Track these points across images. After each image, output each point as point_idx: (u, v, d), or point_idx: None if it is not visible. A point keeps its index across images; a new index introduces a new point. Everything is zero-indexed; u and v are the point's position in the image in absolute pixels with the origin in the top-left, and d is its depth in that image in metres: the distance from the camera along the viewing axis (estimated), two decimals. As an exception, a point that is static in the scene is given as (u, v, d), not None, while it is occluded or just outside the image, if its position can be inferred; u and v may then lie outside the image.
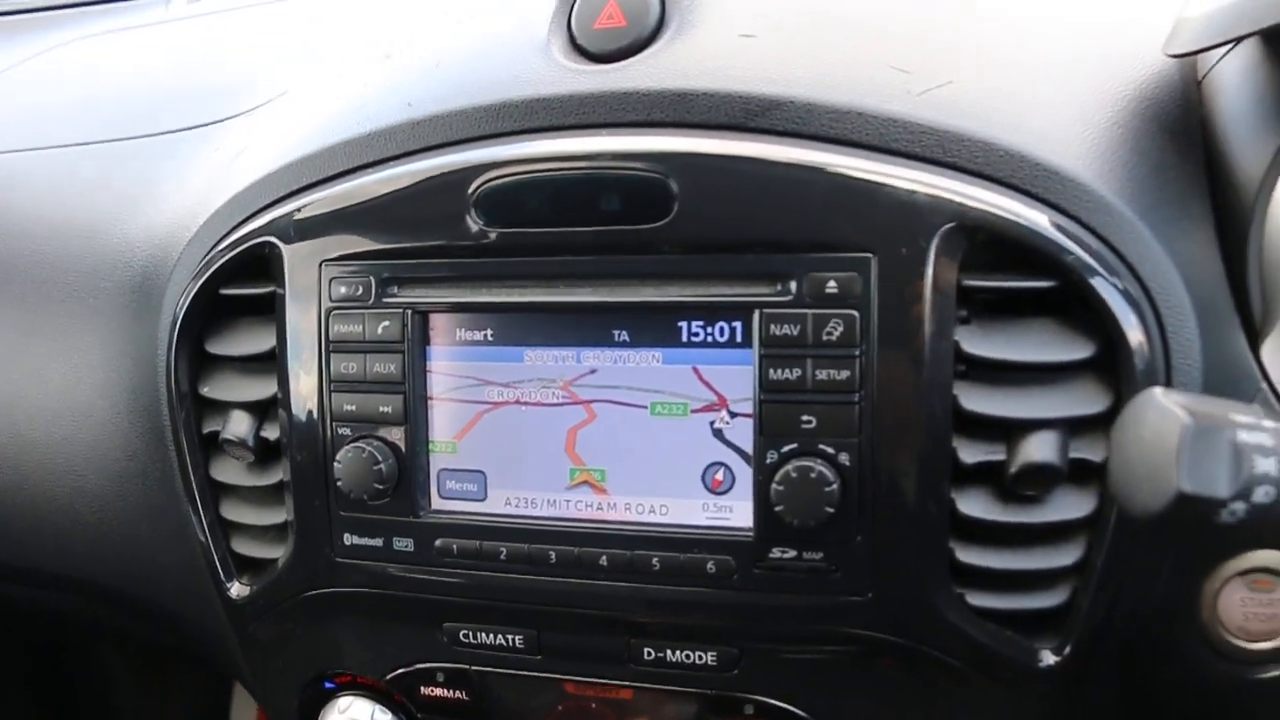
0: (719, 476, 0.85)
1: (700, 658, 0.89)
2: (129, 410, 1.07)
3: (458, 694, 0.97)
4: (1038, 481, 0.78)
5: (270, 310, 0.95)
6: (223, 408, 0.99)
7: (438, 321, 0.90)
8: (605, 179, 0.83)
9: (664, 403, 0.85)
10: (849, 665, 0.86)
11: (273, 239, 0.93)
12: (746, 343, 0.82)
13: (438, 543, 0.91)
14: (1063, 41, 0.90)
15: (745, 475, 0.84)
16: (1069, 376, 0.79)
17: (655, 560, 0.86)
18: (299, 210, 0.93)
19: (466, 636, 0.95)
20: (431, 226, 0.88)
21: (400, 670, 0.99)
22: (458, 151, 0.88)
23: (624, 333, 0.86)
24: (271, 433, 0.97)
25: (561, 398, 0.88)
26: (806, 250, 0.80)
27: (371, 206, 0.90)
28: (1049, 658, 0.82)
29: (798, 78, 0.83)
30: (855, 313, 0.79)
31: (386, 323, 0.90)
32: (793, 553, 0.82)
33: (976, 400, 0.79)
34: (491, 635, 0.94)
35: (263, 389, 0.96)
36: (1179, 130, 0.84)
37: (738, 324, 0.82)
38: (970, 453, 0.79)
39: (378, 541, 0.93)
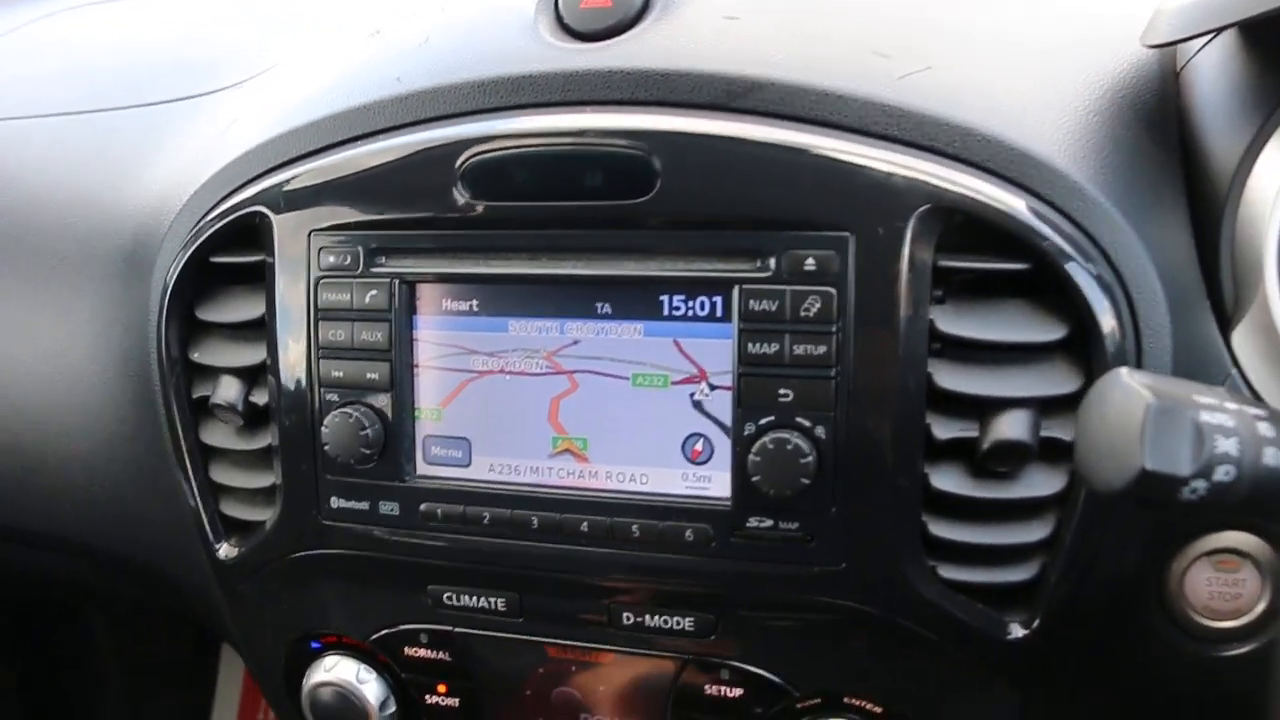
0: (698, 447, 0.86)
1: (678, 623, 0.90)
2: (119, 375, 1.08)
3: (441, 655, 0.99)
4: (1009, 458, 0.80)
5: (260, 278, 0.96)
6: (212, 373, 1.00)
7: (424, 291, 0.91)
8: (590, 155, 0.84)
9: (645, 374, 0.86)
10: (823, 633, 0.87)
11: (263, 209, 0.94)
12: (726, 317, 0.83)
13: (422, 507, 0.92)
14: (1042, 29, 0.92)
15: (724, 446, 0.85)
16: (1041, 357, 0.80)
17: (635, 527, 0.87)
18: (289, 181, 0.93)
19: (450, 599, 0.96)
20: (419, 199, 0.89)
21: (385, 631, 1.00)
22: (446, 126, 0.88)
23: (606, 305, 0.87)
24: (260, 398, 0.98)
25: (545, 368, 0.89)
26: (786, 228, 0.81)
27: (360, 178, 0.91)
28: (1018, 630, 0.83)
29: (780, 60, 0.84)
30: (833, 290, 0.80)
31: (374, 292, 0.91)
32: (769, 522, 0.84)
33: (950, 378, 0.80)
34: (474, 598, 0.95)
35: (252, 355, 0.98)
36: (1155, 119, 0.85)
37: (718, 299, 0.83)
38: (943, 429, 0.81)
39: (364, 505, 0.94)
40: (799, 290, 0.81)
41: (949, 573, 0.83)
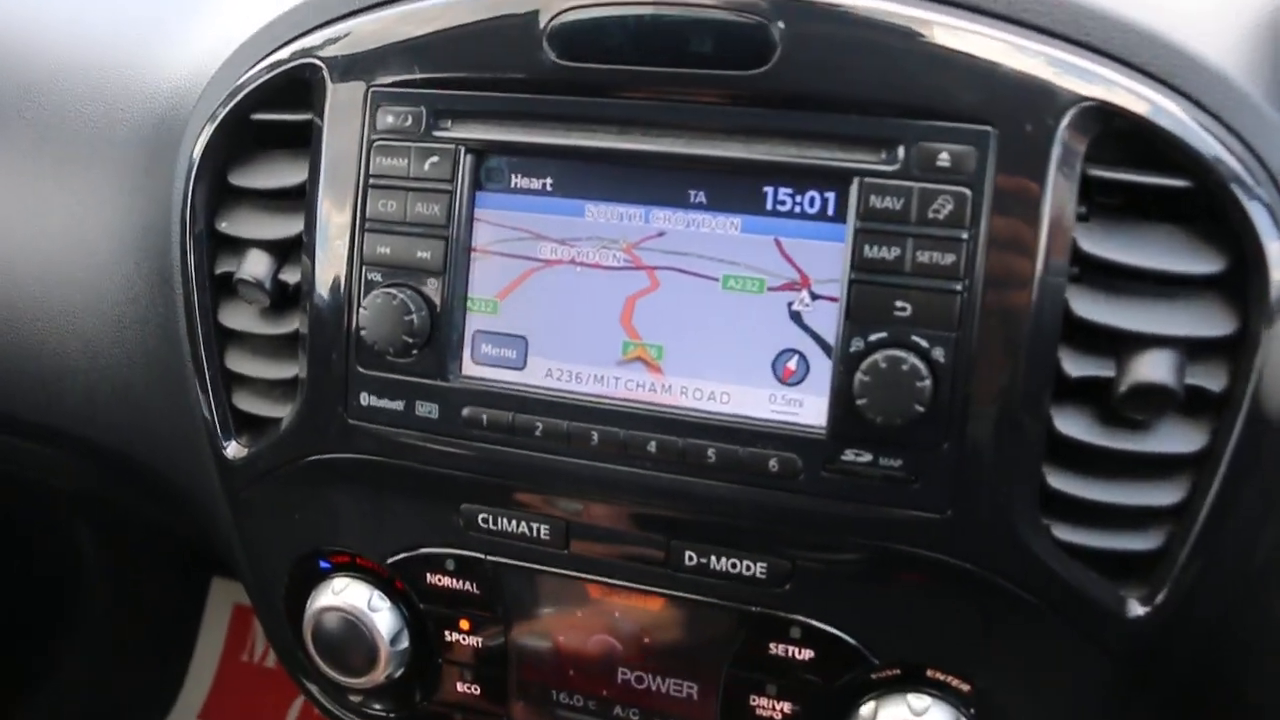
0: (791, 365, 0.79)
1: (748, 568, 0.83)
2: (136, 250, 1.02)
3: (467, 586, 0.92)
4: (1148, 404, 0.73)
5: (304, 143, 0.90)
6: (240, 246, 0.94)
7: (493, 164, 0.84)
8: (700, 19, 0.77)
9: (738, 276, 0.79)
10: (913, 592, 0.81)
11: (317, 62, 0.88)
12: (839, 216, 0.76)
13: (465, 411, 0.85)
14: None
15: (822, 366, 0.78)
16: (1193, 292, 0.74)
17: (711, 452, 0.80)
18: (349, 34, 0.87)
19: (485, 521, 0.89)
20: (496, 56, 0.82)
21: (405, 553, 0.93)
22: None
23: (701, 193, 0.80)
24: (291, 276, 0.92)
25: (623, 261, 0.82)
26: (918, 116, 0.74)
27: (432, 31, 0.84)
28: (1137, 608, 0.76)
29: None
30: (967, 190, 0.73)
31: (435, 159, 0.84)
32: (868, 456, 0.77)
33: (1089, 306, 0.73)
34: (514, 522, 0.88)
35: (287, 227, 0.92)
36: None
37: (831, 194, 0.77)
38: (1076, 365, 0.74)
39: (398, 405, 0.87)
40: (929, 188, 0.74)
41: (1064, 533, 0.76)
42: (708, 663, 0.87)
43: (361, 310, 0.85)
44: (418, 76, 0.84)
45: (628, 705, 0.91)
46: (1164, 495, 0.75)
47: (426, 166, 0.84)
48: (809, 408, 0.78)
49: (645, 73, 0.79)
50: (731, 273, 0.79)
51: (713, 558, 0.83)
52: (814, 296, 0.77)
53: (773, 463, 0.79)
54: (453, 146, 0.83)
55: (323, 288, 0.88)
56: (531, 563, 0.90)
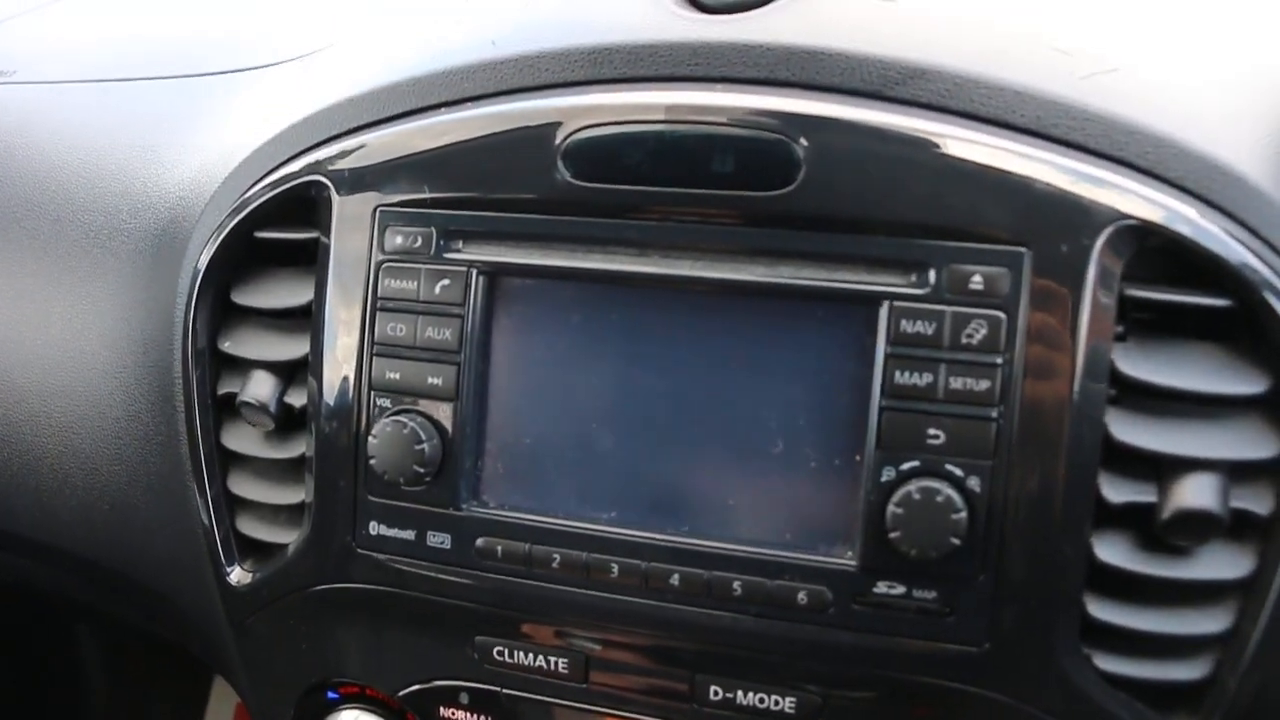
0: None
1: (776, 703, 0.81)
2: (137, 365, 1.00)
3: (482, 719, 0.90)
4: (1192, 531, 0.71)
5: (309, 261, 0.89)
6: (244, 366, 0.93)
7: (505, 285, 0.83)
8: (720, 138, 0.76)
9: None
10: None
11: (322, 178, 0.87)
12: (869, 340, 0.75)
13: (479, 542, 0.83)
14: (1241, 36, 0.86)
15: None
16: (1236, 413, 0.72)
17: (737, 585, 0.78)
18: (356, 150, 0.86)
19: (501, 654, 0.87)
20: (509, 177, 0.81)
21: (418, 685, 0.91)
22: (549, 97, 0.81)
23: None
24: (297, 399, 0.90)
25: None
26: (949, 237, 0.73)
27: (443, 150, 0.83)
28: None
29: (945, 46, 0.77)
30: (1001, 314, 0.72)
31: (446, 281, 0.83)
32: (901, 589, 0.75)
33: (1129, 430, 0.72)
34: (531, 656, 0.86)
35: (292, 349, 0.90)
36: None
37: (860, 317, 0.75)
38: (1117, 490, 0.72)
39: (409, 534, 0.85)
40: (961, 312, 0.72)
41: (1108, 664, 0.74)
42: None
43: (371, 439, 0.83)
44: (427, 196, 0.83)
45: None
46: (1211, 623, 0.73)
47: (437, 289, 0.82)
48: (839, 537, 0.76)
49: (665, 193, 0.78)
50: None
51: (739, 692, 0.81)
52: None
53: (801, 595, 0.76)
54: (464, 269, 0.82)
55: (330, 413, 0.86)
56: (550, 696, 0.87)
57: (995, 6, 0.83)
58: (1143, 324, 0.72)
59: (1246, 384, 0.71)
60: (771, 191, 0.75)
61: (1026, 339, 0.71)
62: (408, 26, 1.02)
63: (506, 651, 0.86)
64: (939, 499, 0.71)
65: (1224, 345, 0.72)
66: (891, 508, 0.72)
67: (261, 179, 0.91)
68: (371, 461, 0.83)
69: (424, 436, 0.81)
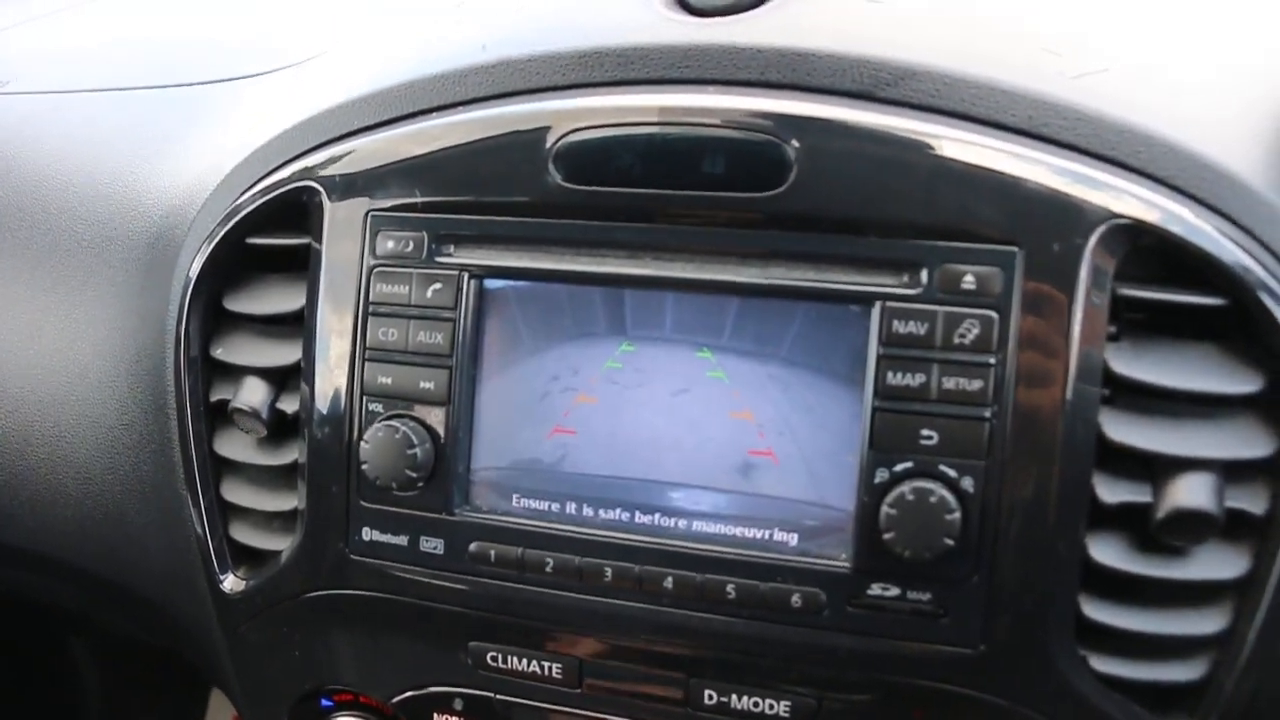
0: None
1: (771, 707, 0.81)
2: (129, 374, 1.00)
3: None
4: (1188, 531, 0.71)
5: (301, 267, 0.89)
6: (236, 373, 0.93)
7: (497, 288, 0.83)
8: (711, 139, 0.77)
9: None
10: None
11: (314, 184, 0.87)
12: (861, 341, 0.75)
13: (473, 547, 0.83)
14: (1232, 34, 0.86)
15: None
16: (1230, 412, 0.72)
17: (730, 588, 0.78)
18: (348, 154, 0.86)
19: (495, 659, 0.87)
20: (501, 180, 0.81)
21: (411, 692, 0.91)
22: (539, 100, 0.82)
23: None
24: (289, 405, 0.90)
25: None
26: (941, 237, 0.73)
27: (434, 155, 0.83)
28: None
29: (935, 46, 0.78)
30: (994, 314, 0.72)
31: (438, 286, 0.83)
32: (896, 590, 0.75)
33: (1123, 430, 0.71)
34: (525, 661, 0.86)
35: (284, 355, 0.90)
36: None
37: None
38: (1111, 490, 0.72)
39: (402, 540, 0.85)
40: (953, 312, 0.72)
41: (1103, 665, 0.74)
42: None
43: (363, 444, 0.83)
44: (418, 200, 0.83)
45: None
46: (1207, 623, 0.73)
47: (429, 294, 0.83)
48: (831, 539, 0.76)
49: (656, 195, 0.78)
50: None
51: (734, 696, 0.81)
52: None
53: (795, 598, 0.76)
54: (456, 272, 0.82)
55: (322, 419, 0.86)
56: (543, 702, 0.87)
57: (985, 7, 0.84)
58: (1136, 323, 0.73)
59: (1240, 383, 0.71)
60: (763, 193, 0.75)
61: (1019, 339, 0.71)
62: (399, 31, 1.03)
63: (500, 657, 0.86)
64: (932, 500, 0.71)
65: (1218, 344, 0.72)
66: (885, 509, 0.72)
67: (253, 185, 0.91)
68: (364, 467, 0.83)
69: (416, 441, 0.81)
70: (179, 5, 1.44)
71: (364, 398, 0.85)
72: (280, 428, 0.91)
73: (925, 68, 0.75)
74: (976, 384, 0.72)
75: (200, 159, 1.01)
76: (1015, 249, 0.71)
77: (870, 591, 0.75)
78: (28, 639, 1.89)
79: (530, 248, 0.82)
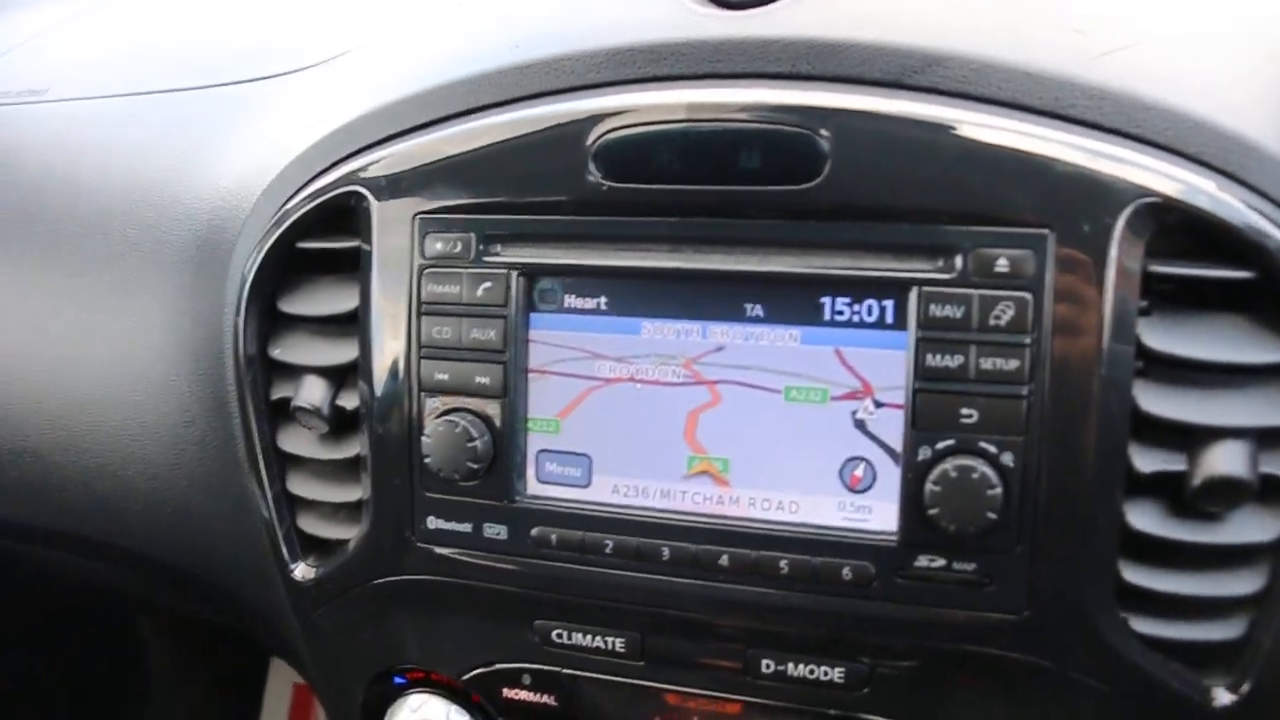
0: (858, 473, 0.79)
1: (825, 673, 0.84)
2: (189, 375, 1.03)
3: (545, 699, 0.93)
4: (1222, 497, 0.73)
5: (351, 268, 0.91)
6: (295, 372, 0.95)
7: (545, 285, 0.85)
8: (746, 133, 0.78)
9: (800, 387, 0.80)
10: (994, 691, 0.81)
11: (360, 189, 0.89)
12: (899, 324, 0.77)
13: (534, 531, 0.86)
14: (1259, 10, 0.85)
15: (889, 473, 0.79)
16: (1262, 381, 0.73)
17: (783, 563, 0.81)
18: (391, 158, 0.88)
19: (560, 636, 0.90)
20: (542, 180, 0.83)
21: (481, 669, 0.94)
22: (576, 99, 0.83)
23: (758, 307, 0.81)
24: (348, 402, 0.92)
25: (683, 377, 0.83)
26: (974, 223, 0.75)
27: (475, 156, 0.85)
28: (1223, 696, 0.76)
29: (963, 33, 0.78)
30: (1028, 295, 0.73)
31: (488, 284, 0.85)
32: (941, 562, 0.77)
33: (1157, 401, 0.73)
34: (589, 636, 0.89)
35: (341, 353, 0.92)
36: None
37: (889, 302, 0.77)
38: (1147, 460, 0.74)
39: (465, 527, 0.88)
40: (989, 295, 0.74)
41: (1144, 626, 0.76)
42: None
43: (425, 438, 0.86)
44: (464, 202, 0.85)
45: None
46: (1243, 584, 0.74)
47: (479, 292, 0.85)
48: (878, 514, 0.79)
49: (694, 191, 0.80)
50: (794, 384, 0.80)
51: (790, 664, 0.84)
52: (878, 404, 0.78)
53: (846, 571, 0.79)
54: (505, 271, 0.84)
55: (382, 414, 0.89)
56: (608, 674, 0.90)
57: None
58: (1167, 297, 0.74)
59: (1271, 353, 0.72)
60: (799, 185, 0.77)
61: (1053, 318, 0.73)
62: (426, 28, 1.04)
63: (565, 634, 0.89)
64: (974, 476, 0.73)
65: (1248, 315, 0.73)
66: (929, 485, 0.74)
67: (300, 190, 0.93)
68: (426, 460, 0.86)
69: (475, 434, 0.84)
70: (193, 6, 1.45)
71: (421, 393, 0.87)
72: (341, 423, 0.93)
73: (953, 54, 0.76)
74: (1013, 363, 0.73)
75: (240, 160, 1.03)
76: (1046, 231, 0.72)
77: (918, 563, 0.77)
78: (98, 614, 1.94)
79: (575, 245, 0.83)
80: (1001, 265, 0.73)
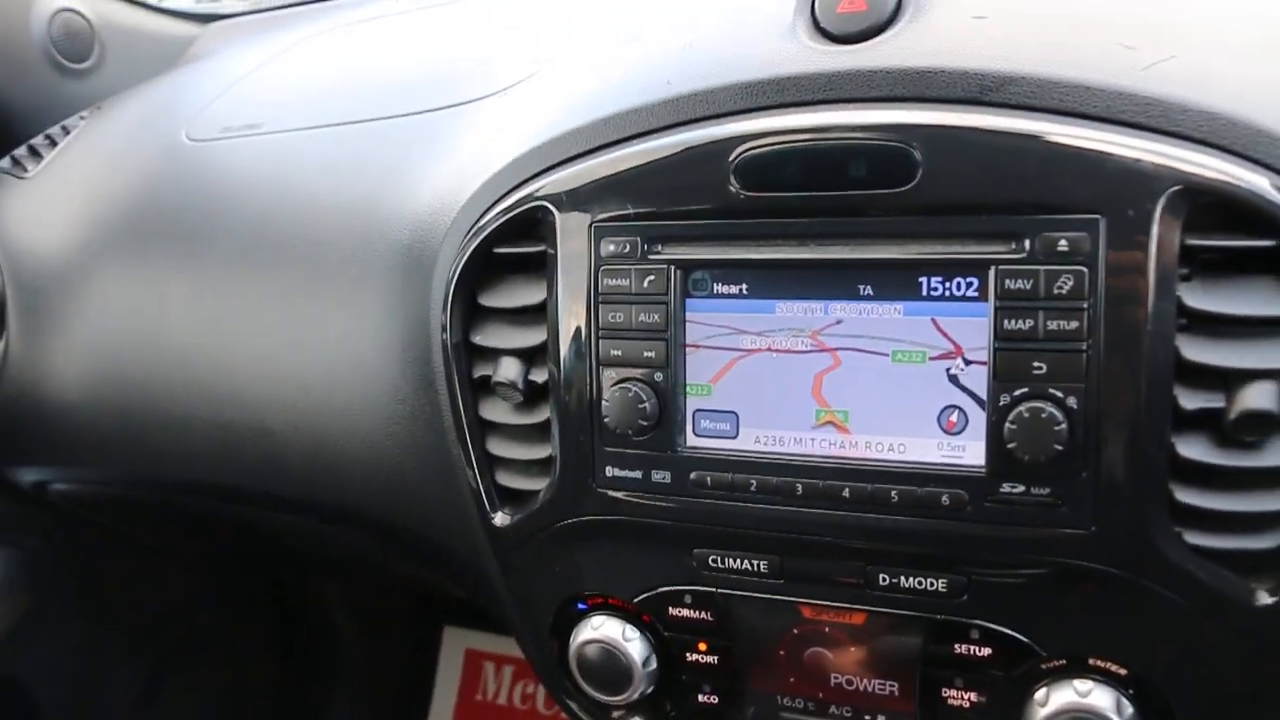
0: (953, 419, 0.90)
1: (931, 584, 0.93)
2: (400, 360, 1.15)
3: (703, 615, 1.03)
4: (1256, 427, 0.81)
5: (538, 267, 1.03)
6: (493, 354, 1.06)
7: (698, 276, 0.96)
8: (854, 148, 0.88)
9: (904, 351, 0.91)
10: (1070, 595, 0.89)
11: (546, 203, 1.00)
12: (982, 296, 0.87)
13: (693, 475, 0.98)
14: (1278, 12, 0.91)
15: (978, 417, 0.88)
16: None
17: (894, 493, 0.91)
18: (570, 176, 0.99)
19: (715, 561, 1.00)
20: (694, 191, 0.94)
21: (649, 593, 1.05)
22: (718, 125, 0.93)
23: (868, 287, 0.91)
24: (538, 376, 1.03)
25: (810, 346, 0.93)
26: (1039, 212, 0.84)
27: (638, 174, 0.96)
28: (1265, 598, 0.84)
29: (1029, 55, 0.87)
30: (1084, 269, 0.83)
31: (652, 277, 0.96)
32: (1021, 488, 0.87)
33: (1197, 351, 0.82)
34: (738, 560, 0.99)
35: (532, 337, 1.04)
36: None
37: (974, 279, 0.87)
38: (1190, 400, 0.82)
39: (637, 474, 1.00)
40: (1052, 270, 0.83)
41: (1195, 539, 0.84)
42: (904, 664, 0.97)
43: (604, 402, 0.97)
44: (630, 211, 0.96)
45: (841, 704, 1.02)
46: (1279, 502, 0.82)
47: (645, 283, 0.96)
48: (970, 452, 0.89)
49: (815, 196, 0.89)
50: (899, 348, 0.90)
51: (901, 578, 0.94)
52: (967, 362, 0.88)
53: (944, 498, 0.89)
54: (665, 266, 0.95)
55: (569, 385, 1.00)
56: (754, 592, 1.00)
57: (1068, 12, 0.92)
58: (1207, 264, 0.82)
59: None
60: (898, 188, 0.87)
61: (1106, 287, 0.82)
62: (590, 64, 1.15)
63: (719, 559, 1.00)
64: (1044, 415, 0.83)
65: (1274, 278, 0.81)
66: (1008, 425, 0.84)
67: (494, 205, 1.04)
68: (606, 419, 0.97)
69: (644, 397, 0.96)
70: (376, 41, 1.59)
71: (600, 366, 0.98)
72: (532, 394, 1.04)
73: (1022, 74, 0.85)
74: (1074, 324, 0.83)
75: (438, 179, 1.14)
76: (1099, 217, 0.81)
77: (1002, 490, 0.87)
78: (292, 585, 2.11)
79: (720, 243, 0.94)
80: (1063, 245, 0.82)
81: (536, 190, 1.01)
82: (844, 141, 0.89)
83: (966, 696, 0.95)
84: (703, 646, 1.05)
